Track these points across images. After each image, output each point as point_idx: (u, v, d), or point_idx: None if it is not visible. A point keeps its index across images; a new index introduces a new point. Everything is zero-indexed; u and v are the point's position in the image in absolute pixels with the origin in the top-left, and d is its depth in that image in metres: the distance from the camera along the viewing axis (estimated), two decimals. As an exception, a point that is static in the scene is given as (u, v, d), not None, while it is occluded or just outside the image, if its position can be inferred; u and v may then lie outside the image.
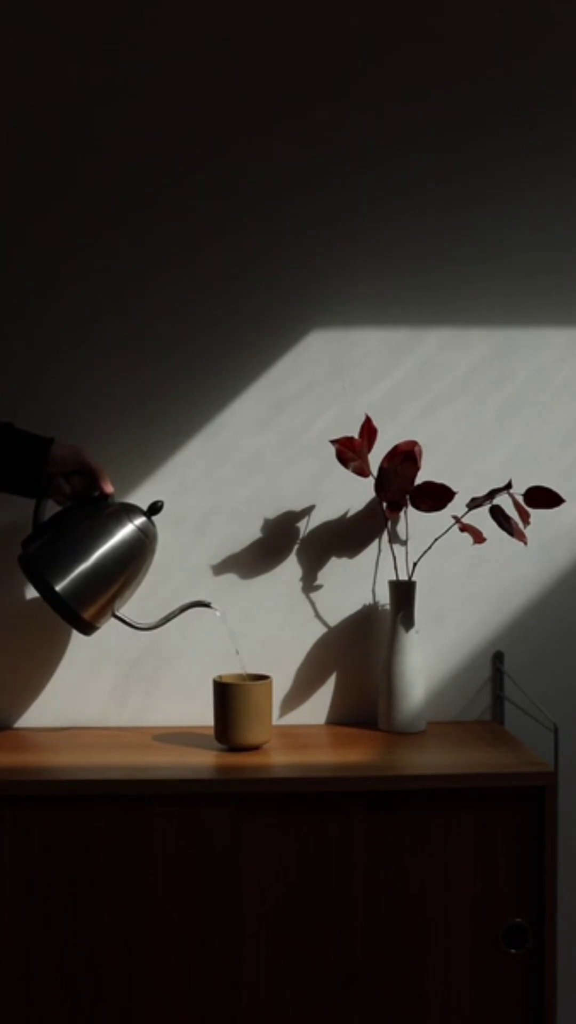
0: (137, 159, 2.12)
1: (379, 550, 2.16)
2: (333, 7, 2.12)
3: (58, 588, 1.88)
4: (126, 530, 1.94)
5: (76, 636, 2.11)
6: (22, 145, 2.11)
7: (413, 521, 2.15)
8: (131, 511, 1.96)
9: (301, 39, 2.12)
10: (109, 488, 1.95)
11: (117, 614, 1.97)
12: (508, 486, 2.04)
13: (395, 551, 2.14)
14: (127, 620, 1.99)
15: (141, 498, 2.12)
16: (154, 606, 2.10)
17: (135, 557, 1.94)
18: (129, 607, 2.03)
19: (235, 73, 2.12)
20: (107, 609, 1.94)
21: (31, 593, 2.10)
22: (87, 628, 1.92)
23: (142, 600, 2.08)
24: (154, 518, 2.02)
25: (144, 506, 2.01)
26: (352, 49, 2.13)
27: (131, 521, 1.94)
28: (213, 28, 2.12)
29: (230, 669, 2.07)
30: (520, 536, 2.02)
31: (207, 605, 2.00)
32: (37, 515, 1.94)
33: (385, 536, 2.15)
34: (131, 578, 1.95)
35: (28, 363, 2.12)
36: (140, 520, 1.96)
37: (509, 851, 1.79)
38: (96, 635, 2.06)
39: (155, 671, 2.12)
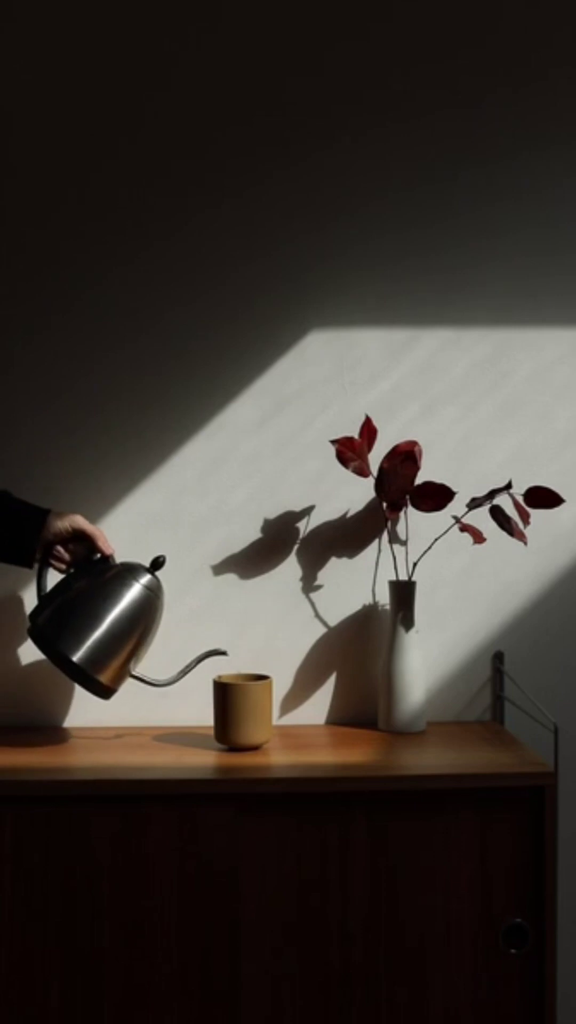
0: (138, 162, 2.12)
1: (379, 550, 2.16)
2: (338, 16, 2.13)
3: (75, 658, 1.87)
4: (133, 591, 1.92)
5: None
6: (22, 149, 2.11)
7: (413, 521, 2.15)
8: (135, 570, 1.95)
9: (301, 48, 2.13)
10: (109, 549, 1.95)
11: (134, 674, 1.96)
12: (508, 486, 2.04)
13: (395, 551, 2.14)
14: (144, 679, 1.97)
15: (143, 500, 2.12)
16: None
17: (145, 616, 1.93)
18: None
19: (237, 79, 2.12)
20: (123, 671, 1.93)
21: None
22: (106, 692, 1.92)
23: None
24: (154, 517, 2.02)
25: (146, 562, 2.02)
26: (356, 59, 2.13)
27: (137, 581, 1.93)
28: (211, 30, 2.12)
29: (230, 669, 2.08)
30: (520, 536, 2.02)
31: (223, 653, 2.00)
32: (40, 585, 1.95)
33: (385, 536, 2.15)
34: (143, 638, 1.94)
35: (28, 362, 2.12)
36: (145, 578, 1.95)
37: (509, 851, 1.79)
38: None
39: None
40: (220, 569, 2.15)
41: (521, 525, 2.04)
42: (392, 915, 1.78)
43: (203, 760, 1.88)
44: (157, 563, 1.98)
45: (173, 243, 2.13)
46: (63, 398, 2.12)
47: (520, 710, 2.12)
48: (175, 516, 2.13)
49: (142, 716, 2.13)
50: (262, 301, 2.14)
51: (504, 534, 2.06)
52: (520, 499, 2.04)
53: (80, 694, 2.12)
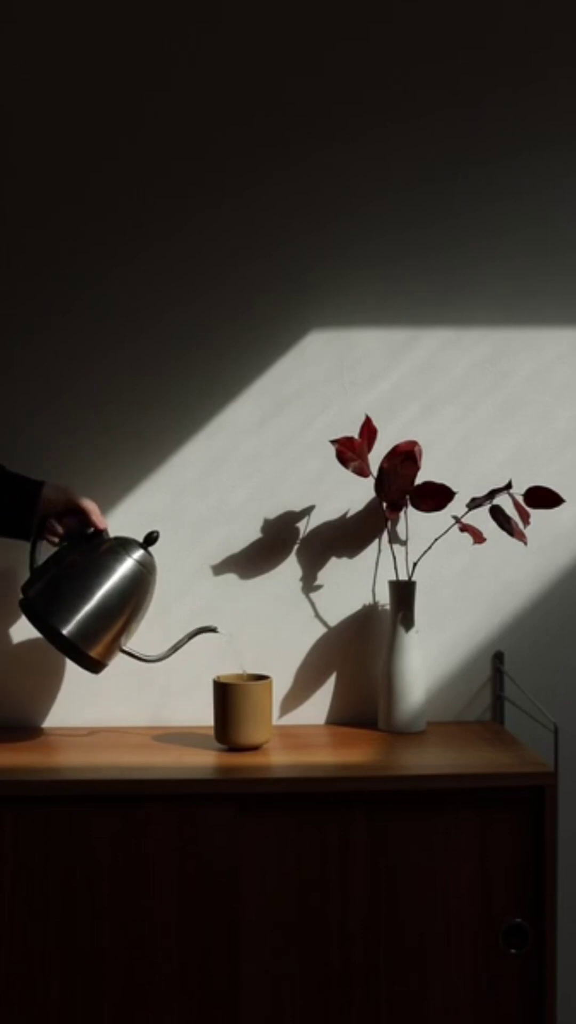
0: (138, 162, 2.12)
1: (379, 550, 2.16)
2: (337, 19, 2.13)
3: (65, 631, 1.87)
4: (125, 565, 1.92)
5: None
6: (22, 152, 2.11)
7: (413, 521, 2.15)
8: (128, 545, 1.95)
9: (301, 48, 2.13)
10: (102, 523, 1.95)
11: (124, 649, 1.96)
12: (508, 486, 2.04)
13: (395, 551, 2.14)
14: (135, 654, 1.98)
15: (143, 500, 2.12)
16: (156, 610, 2.10)
17: (137, 591, 1.93)
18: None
19: (237, 79, 2.12)
20: (114, 646, 1.93)
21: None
22: (96, 667, 1.92)
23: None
24: (154, 517, 2.01)
25: (139, 537, 2.01)
26: (356, 59, 2.13)
27: (129, 555, 1.93)
28: (211, 30, 2.12)
29: (230, 669, 2.07)
30: (520, 536, 2.02)
31: (213, 630, 2.00)
32: (33, 558, 1.94)
33: (385, 536, 2.15)
34: (135, 612, 1.94)
35: (28, 362, 2.12)
36: (138, 553, 1.94)
37: (509, 851, 1.79)
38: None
39: (155, 671, 2.12)
40: (220, 569, 2.15)
41: (521, 525, 2.04)
42: (392, 915, 1.78)
43: (203, 760, 1.88)
44: (150, 538, 1.98)
45: (173, 243, 2.13)
46: (63, 398, 2.12)
47: (520, 710, 2.12)
48: (175, 516, 2.13)
49: (142, 716, 2.13)
50: (262, 301, 2.14)
51: (504, 534, 2.06)
52: (520, 499, 2.04)
53: (79, 694, 2.11)
